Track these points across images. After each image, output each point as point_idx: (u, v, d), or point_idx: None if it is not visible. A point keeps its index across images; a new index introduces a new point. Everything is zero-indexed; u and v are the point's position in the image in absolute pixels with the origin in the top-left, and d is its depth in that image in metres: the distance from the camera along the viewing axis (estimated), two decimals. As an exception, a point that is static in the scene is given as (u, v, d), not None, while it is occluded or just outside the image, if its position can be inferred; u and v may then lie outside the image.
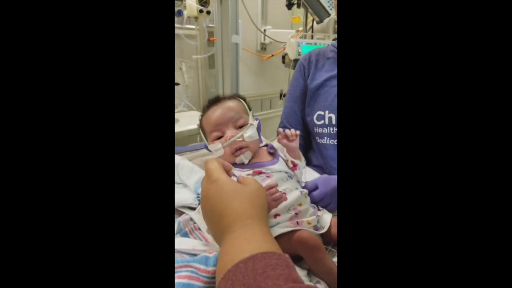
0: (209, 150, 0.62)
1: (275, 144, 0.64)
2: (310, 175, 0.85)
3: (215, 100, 0.62)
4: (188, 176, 0.70)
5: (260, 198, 0.39)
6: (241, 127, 0.59)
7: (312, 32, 1.56)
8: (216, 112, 0.59)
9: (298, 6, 1.44)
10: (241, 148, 0.57)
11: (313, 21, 1.54)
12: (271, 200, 0.48)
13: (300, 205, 0.54)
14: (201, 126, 0.63)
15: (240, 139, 0.56)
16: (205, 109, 0.62)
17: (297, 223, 0.52)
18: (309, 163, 0.89)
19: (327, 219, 0.56)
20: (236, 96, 0.64)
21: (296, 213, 0.53)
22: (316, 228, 0.53)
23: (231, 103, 0.61)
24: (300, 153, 0.64)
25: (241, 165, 0.58)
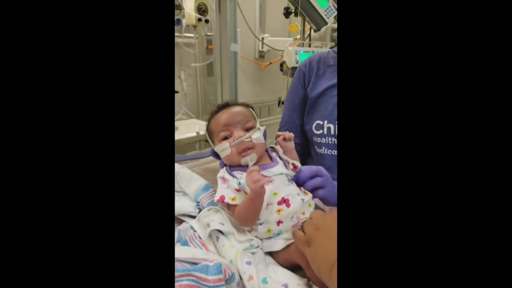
0: (216, 157, 0.63)
1: (275, 146, 0.65)
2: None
3: (225, 105, 0.65)
4: (188, 184, 0.70)
5: None
6: (248, 130, 0.60)
7: (310, 40, 1.58)
8: (226, 114, 0.61)
9: (296, 15, 1.46)
10: (247, 149, 0.58)
11: (310, 30, 1.56)
12: (251, 182, 0.49)
13: (303, 213, 0.55)
14: (208, 129, 0.65)
15: (248, 139, 0.58)
16: (214, 113, 0.65)
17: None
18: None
19: None
20: (245, 104, 0.67)
21: (298, 222, 0.53)
22: None
23: (241, 108, 0.63)
24: (296, 154, 0.65)
25: (243, 168, 0.58)
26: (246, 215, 0.53)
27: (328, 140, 0.80)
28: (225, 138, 0.60)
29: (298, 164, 0.63)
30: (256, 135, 0.59)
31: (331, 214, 0.45)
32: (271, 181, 0.56)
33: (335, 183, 0.64)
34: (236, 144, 0.57)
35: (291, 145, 0.64)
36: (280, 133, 0.64)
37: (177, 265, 0.45)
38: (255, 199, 0.50)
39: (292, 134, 0.64)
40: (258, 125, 0.62)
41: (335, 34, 1.47)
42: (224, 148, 0.58)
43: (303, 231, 0.46)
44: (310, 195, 0.59)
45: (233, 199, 0.54)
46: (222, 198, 0.55)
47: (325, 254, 0.40)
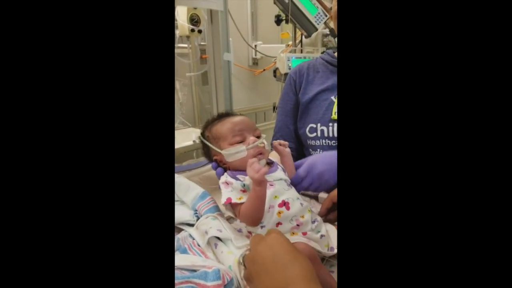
0: (215, 167, 0.64)
1: (272, 158, 0.67)
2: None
3: (227, 114, 0.67)
4: (185, 193, 0.71)
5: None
6: (257, 137, 0.63)
7: (301, 46, 1.61)
8: (236, 120, 0.63)
9: (287, 22, 1.49)
10: (260, 154, 0.60)
11: (301, 36, 1.59)
12: (253, 172, 0.49)
13: (302, 217, 0.55)
14: (210, 134, 0.65)
15: (262, 144, 0.60)
16: (215, 120, 0.66)
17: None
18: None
19: (336, 239, 0.57)
20: (243, 115, 0.69)
21: (297, 224, 0.54)
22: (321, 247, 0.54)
23: (245, 117, 0.66)
24: (292, 160, 0.67)
25: (244, 172, 0.59)
26: (252, 211, 0.52)
27: (322, 142, 0.82)
28: (238, 142, 0.61)
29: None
30: (266, 142, 0.62)
31: (265, 241, 0.42)
32: (272, 185, 0.57)
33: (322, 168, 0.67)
34: (253, 147, 0.59)
35: (288, 149, 0.66)
36: (276, 141, 0.67)
37: (177, 273, 0.46)
38: (259, 191, 0.50)
39: (286, 143, 0.66)
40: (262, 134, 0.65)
41: (326, 39, 1.50)
42: (239, 151, 0.59)
43: (244, 265, 0.45)
44: (308, 201, 0.61)
45: (239, 198, 0.54)
46: (228, 200, 0.55)
47: None
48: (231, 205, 0.56)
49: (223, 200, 0.56)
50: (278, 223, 0.54)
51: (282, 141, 0.66)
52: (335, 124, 0.80)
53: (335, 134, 0.80)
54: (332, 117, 0.80)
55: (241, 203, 0.54)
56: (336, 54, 0.90)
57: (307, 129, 0.85)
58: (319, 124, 0.82)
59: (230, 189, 0.57)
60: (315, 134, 0.83)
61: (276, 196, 0.56)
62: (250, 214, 0.53)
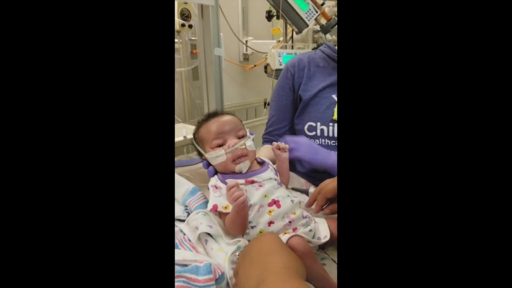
0: (206, 167, 0.64)
1: (263, 157, 0.67)
2: (297, 181, 0.87)
3: (214, 114, 0.66)
4: (175, 188, 0.71)
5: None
6: (240, 137, 0.62)
7: (292, 42, 1.61)
8: (219, 122, 0.63)
9: (278, 18, 1.48)
10: (241, 156, 0.59)
11: (292, 32, 1.59)
12: (231, 200, 0.50)
13: (294, 213, 0.56)
14: (198, 137, 0.65)
15: (243, 147, 0.59)
16: (203, 121, 0.66)
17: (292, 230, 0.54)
18: (294, 169, 0.91)
19: (324, 230, 0.58)
20: (231, 113, 0.68)
21: (289, 221, 0.54)
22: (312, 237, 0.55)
23: (231, 117, 0.65)
24: (288, 165, 0.66)
25: (234, 174, 0.60)
26: (234, 225, 0.54)
27: (321, 142, 0.81)
28: (219, 145, 0.61)
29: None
30: (249, 143, 0.61)
31: (257, 237, 0.45)
32: (261, 186, 0.57)
33: (316, 146, 0.74)
34: (232, 151, 0.58)
35: (285, 155, 0.65)
36: (275, 143, 0.65)
37: (168, 268, 0.46)
38: (240, 212, 0.52)
39: (287, 146, 0.65)
40: (248, 133, 0.64)
41: (316, 36, 1.50)
42: (219, 155, 0.59)
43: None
44: (299, 197, 0.61)
45: (225, 207, 0.55)
46: (214, 207, 0.55)
47: (247, 279, 0.38)
48: (218, 211, 0.56)
49: (209, 205, 0.57)
50: (270, 222, 0.54)
51: (282, 144, 0.64)
52: (336, 125, 0.78)
53: (335, 134, 0.78)
54: (333, 117, 0.79)
55: (227, 213, 0.54)
56: (337, 47, 0.88)
57: (306, 126, 0.83)
58: (319, 123, 0.81)
59: (218, 194, 0.57)
60: (314, 132, 0.82)
61: (266, 196, 0.56)
62: (232, 226, 0.54)
